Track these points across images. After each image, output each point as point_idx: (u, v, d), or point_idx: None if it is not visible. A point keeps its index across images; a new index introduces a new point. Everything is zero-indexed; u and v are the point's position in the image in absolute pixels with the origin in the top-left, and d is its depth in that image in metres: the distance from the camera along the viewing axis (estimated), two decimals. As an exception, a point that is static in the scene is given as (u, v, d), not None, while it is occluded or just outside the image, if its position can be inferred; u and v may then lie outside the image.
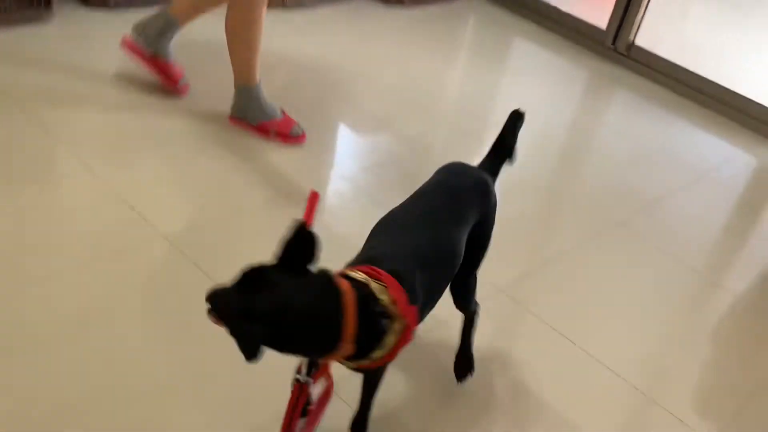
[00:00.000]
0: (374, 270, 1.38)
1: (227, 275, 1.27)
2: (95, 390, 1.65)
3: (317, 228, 1.31)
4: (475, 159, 1.78)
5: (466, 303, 1.78)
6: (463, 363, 1.87)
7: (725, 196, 3.03)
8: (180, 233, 2.14)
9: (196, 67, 2.89)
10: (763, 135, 3.49)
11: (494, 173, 1.77)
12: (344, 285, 1.31)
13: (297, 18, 3.53)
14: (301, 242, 1.28)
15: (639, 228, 2.67)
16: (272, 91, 2.71)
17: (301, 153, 2.65)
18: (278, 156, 2.59)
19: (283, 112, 2.72)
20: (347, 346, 1.31)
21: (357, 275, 1.36)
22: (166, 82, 2.78)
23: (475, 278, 1.75)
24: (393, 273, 1.39)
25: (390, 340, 1.36)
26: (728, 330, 2.34)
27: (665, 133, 3.39)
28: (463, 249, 1.60)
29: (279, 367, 1.48)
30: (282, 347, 1.26)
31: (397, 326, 1.36)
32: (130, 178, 2.32)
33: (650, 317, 2.28)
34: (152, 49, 2.71)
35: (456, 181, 1.68)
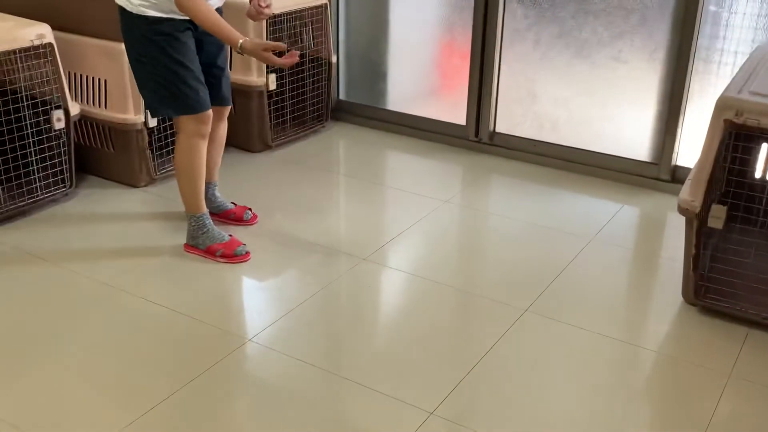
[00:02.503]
0: None
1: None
2: None
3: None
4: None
5: None
6: None
7: (620, 252, 3.15)
8: None
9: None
10: (635, 184, 3.69)
11: None
12: None
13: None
14: None
15: (549, 308, 2.72)
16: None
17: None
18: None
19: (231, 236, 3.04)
20: None
21: None
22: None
23: None
24: None
25: None
26: (658, 386, 2.38)
27: (548, 206, 3.52)
28: None
29: None
30: None
31: None
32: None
33: (584, 396, 2.30)
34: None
35: None
